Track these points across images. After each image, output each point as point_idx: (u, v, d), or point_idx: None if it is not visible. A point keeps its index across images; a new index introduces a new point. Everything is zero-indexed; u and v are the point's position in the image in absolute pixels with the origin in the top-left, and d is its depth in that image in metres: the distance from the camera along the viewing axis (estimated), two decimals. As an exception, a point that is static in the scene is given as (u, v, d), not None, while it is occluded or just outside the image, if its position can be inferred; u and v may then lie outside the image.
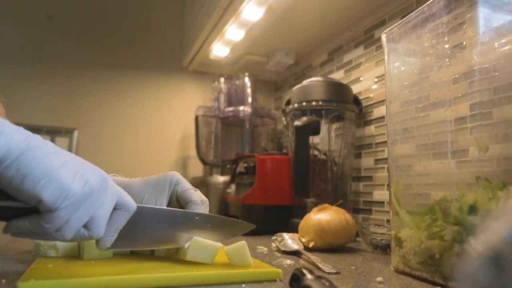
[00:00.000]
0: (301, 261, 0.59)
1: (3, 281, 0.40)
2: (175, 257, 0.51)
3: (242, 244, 0.47)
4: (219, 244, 0.48)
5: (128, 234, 0.43)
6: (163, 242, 0.48)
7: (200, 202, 0.53)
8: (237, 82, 1.34)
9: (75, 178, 0.34)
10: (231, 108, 1.30)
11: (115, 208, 0.39)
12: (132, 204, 0.40)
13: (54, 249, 0.48)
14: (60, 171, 0.33)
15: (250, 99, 1.31)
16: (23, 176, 0.31)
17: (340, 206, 0.74)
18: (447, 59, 0.50)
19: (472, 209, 0.42)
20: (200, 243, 0.48)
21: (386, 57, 0.59)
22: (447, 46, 0.50)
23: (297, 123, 0.86)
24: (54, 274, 0.39)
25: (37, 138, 0.34)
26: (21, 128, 0.33)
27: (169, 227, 0.47)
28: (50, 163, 0.33)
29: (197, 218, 0.49)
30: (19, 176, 0.31)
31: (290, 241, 0.68)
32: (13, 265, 0.49)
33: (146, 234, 0.46)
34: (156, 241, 0.48)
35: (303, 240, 0.70)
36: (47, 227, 0.33)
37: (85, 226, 0.36)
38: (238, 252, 0.47)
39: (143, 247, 0.49)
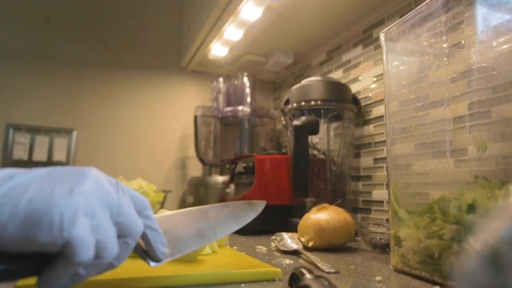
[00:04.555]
0: (301, 261, 0.59)
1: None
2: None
3: None
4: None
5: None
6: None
7: None
8: (236, 82, 1.34)
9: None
10: (230, 108, 1.30)
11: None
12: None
13: None
14: (72, 200, 0.27)
15: (249, 99, 1.31)
16: (36, 225, 0.25)
17: (339, 205, 0.74)
18: (445, 58, 0.50)
19: (471, 208, 0.42)
20: None
21: (384, 57, 0.59)
22: (445, 45, 0.50)
23: (296, 122, 0.86)
24: (53, 275, 0.39)
25: (10, 173, 0.27)
26: None
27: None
28: (51, 195, 0.26)
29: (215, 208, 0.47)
30: (32, 228, 0.25)
31: (289, 240, 0.68)
32: (12, 266, 0.49)
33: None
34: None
35: (303, 239, 0.70)
36: (93, 261, 0.28)
37: (120, 235, 0.31)
38: None
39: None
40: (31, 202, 0.25)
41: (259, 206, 0.53)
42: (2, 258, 0.26)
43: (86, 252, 0.27)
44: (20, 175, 0.28)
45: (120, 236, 0.30)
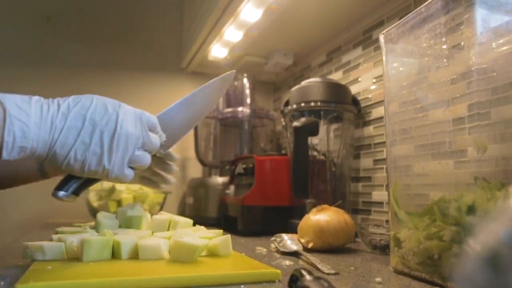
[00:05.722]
0: (300, 262, 0.59)
1: (2, 283, 0.40)
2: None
3: (227, 237, 0.55)
4: (200, 243, 0.49)
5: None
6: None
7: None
8: (236, 83, 1.34)
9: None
10: (230, 109, 1.30)
11: None
12: None
13: (41, 252, 0.48)
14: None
15: (248, 100, 1.31)
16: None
17: (339, 206, 0.74)
18: (445, 60, 0.50)
19: (471, 210, 0.42)
20: (180, 243, 0.49)
21: (384, 58, 0.59)
22: (445, 46, 0.50)
23: (296, 124, 0.86)
24: (53, 276, 0.39)
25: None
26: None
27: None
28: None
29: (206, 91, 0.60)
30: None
31: (289, 242, 0.68)
32: (12, 267, 0.49)
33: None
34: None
35: (302, 241, 0.70)
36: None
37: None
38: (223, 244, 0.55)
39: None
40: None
41: (229, 77, 0.62)
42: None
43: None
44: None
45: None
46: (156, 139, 0.48)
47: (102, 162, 0.42)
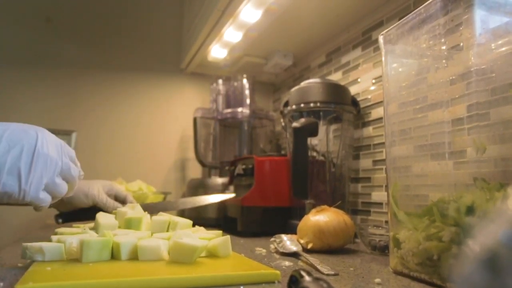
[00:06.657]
0: (300, 263, 0.59)
1: (1, 284, 0.40)
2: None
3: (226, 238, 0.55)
4: (199, 244, 0.49)
5: None
6: None
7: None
8: (235, 83, 1.34)
9: None
10: (229, 110, 1.30)
11: None
12: None
13: (40, 253, 0.48)
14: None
15: (248, 101, 1.31)
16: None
17: (338, 207, 0.74)
18: (444, 61, 0.50)
19: (470, 210, 0.42)
20: (179, 244, 0.49)
21: (383, 59, 0.59)
22: (444, 47, 0.50)
23: (295, 124, 0.86)
24: (53, 277, 0.39)
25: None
26: None
27: None
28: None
29: None
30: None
31: (288, 242, 0.68)
32: (12, 268, 0.49)
33: None
34: None
35: (302, 241, 0.70)
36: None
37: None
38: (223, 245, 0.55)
39: None
40: None
41: None
42: None
43: None
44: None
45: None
46: (76, 170, 0.47)
47: (20, 181, 0.40)
